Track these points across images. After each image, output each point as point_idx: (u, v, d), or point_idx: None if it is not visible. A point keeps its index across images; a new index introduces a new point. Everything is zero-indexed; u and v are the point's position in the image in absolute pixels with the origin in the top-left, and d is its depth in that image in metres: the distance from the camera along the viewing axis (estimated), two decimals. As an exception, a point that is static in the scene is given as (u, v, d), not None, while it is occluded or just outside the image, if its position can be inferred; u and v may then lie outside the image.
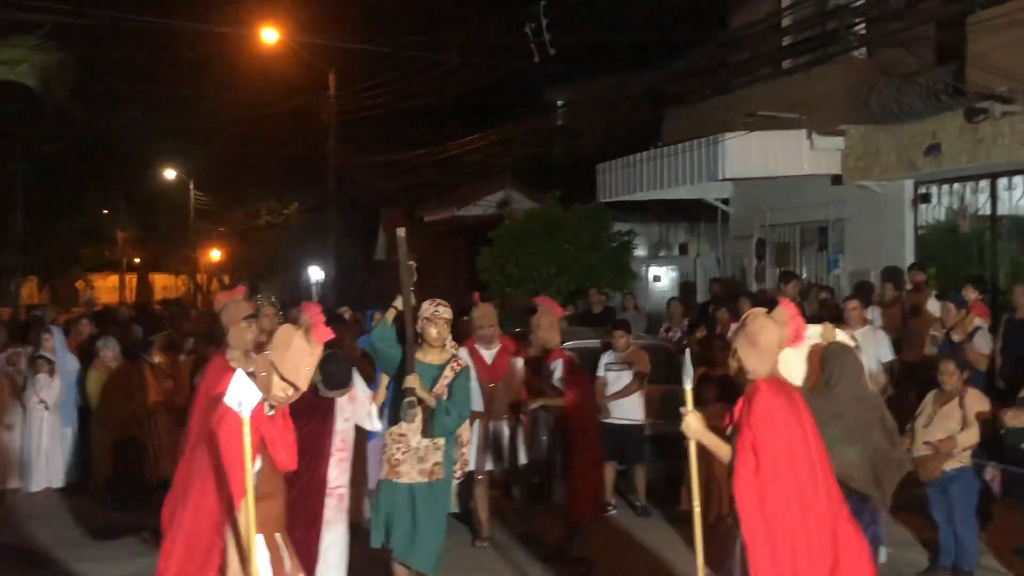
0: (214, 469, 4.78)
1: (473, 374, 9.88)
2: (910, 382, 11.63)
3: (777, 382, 5.60)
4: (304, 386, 5.06)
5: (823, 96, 15.94)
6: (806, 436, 5.49)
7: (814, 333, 7.25)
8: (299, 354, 4.99)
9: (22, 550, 10.04)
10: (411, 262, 7.63)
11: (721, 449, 5.54)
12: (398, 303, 7.57)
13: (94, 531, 10.73)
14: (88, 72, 19.61)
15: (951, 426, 8.76)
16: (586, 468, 9.29)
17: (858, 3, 16.07)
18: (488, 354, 10.01)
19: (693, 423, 5.50)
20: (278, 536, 4.96)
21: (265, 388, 4.95)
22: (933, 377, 9.22)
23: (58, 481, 12.60)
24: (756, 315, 5.62)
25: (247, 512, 4.55)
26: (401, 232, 7.74)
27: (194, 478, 5.05)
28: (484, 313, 10.01)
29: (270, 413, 4.99)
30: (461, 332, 12.21)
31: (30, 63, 14.38)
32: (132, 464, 12.31)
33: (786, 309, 5.65)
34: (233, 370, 6.46)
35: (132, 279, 57.02)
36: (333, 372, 7.15)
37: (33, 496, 12.37)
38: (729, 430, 5.61)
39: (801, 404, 5.66)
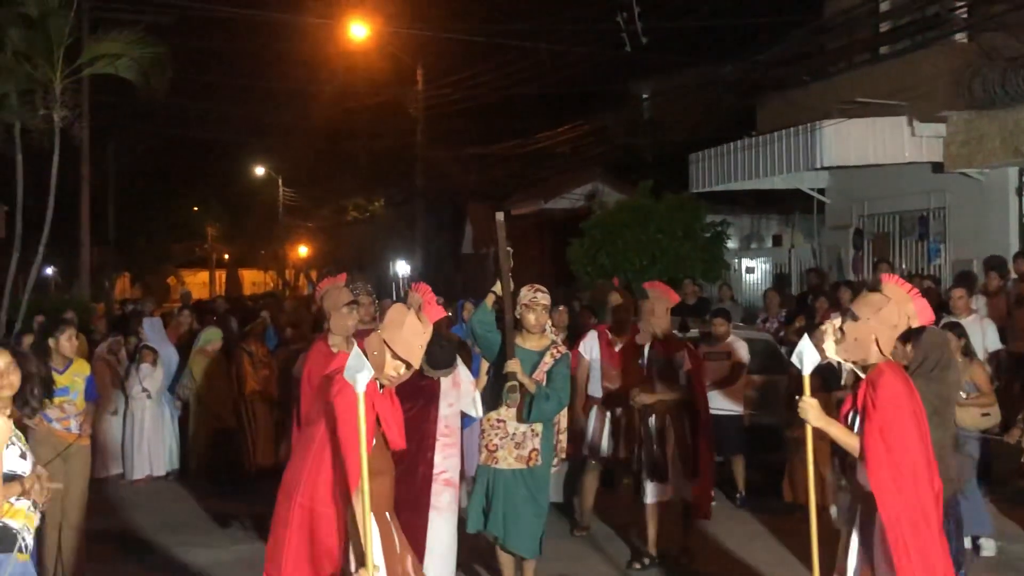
0: (329, 446, 4.75)
1: (595, 354, 9.81)
2: (1016, 373, 11.33)
3: (897, 365, 5.45)
4: (417, 363, 5.02)
5: (924, 82, 15.59)
6: (922, 421, 5.36)
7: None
8: (412, 331, 4.95)
9: (124, 535, 10.20)
10: (509, 248, 7.55)
11: (842, 434, 5.38)
12: (497, 288, 7.50)
13: (194, 518, 10.87)
14: (182, 67, 19.90)
15: (1064, 416, 8.52)
16: (709, 463, 9.12)
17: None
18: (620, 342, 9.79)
19: (812, 409, 5.32)
20: (388, 515, 4.93)
21: (378, 367, 4.92)
22: (1044, 367, 8.96)
23: (160, 469, 12.79)
24: (881, 300, 5.44)
25: (362, 487, 4.51)
26: (500, 216, 7.67)
27: (309, 458, 5.01)
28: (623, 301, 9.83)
29: (380, 392, 4.96)
30: (580, 322, 12.19)
31: (129, 57, 14.67)
32: (231, 452, 12.48)
33: (900, 286, 5.48)
34: (334, 356, 6.47)
35: (222, 275, 57.99)
36: (437, 352, 7.10)
37: (134, 484, 12.56)
38: (850, 416, 5.44)
39: (914, 389, 5.52)
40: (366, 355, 4.89)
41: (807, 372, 5.33)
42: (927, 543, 5.20)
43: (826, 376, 9.39)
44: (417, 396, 7.28)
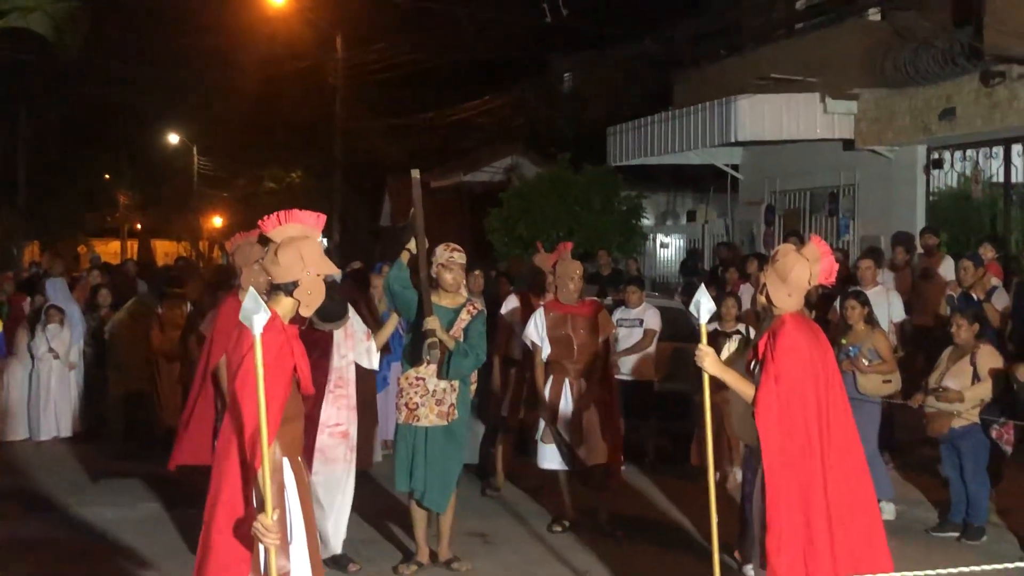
0: (246, 398, 4.64)
1: (516, 318, 9.81)
2: (920, 345, 11.60)
3: (803, 318, 5.56)
4: (330, 269, 4.90)
5: (837, 59, 15.82)
6: (828, 373, 5.46)
7: None
8: (312, 242, 4.87)
9: (28, 494, 10.06)
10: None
11: (738, 383, 5.49)
12: (411, 246, 7.51)
13: (99, 478, 10.71)
14: (95, 27, 19.39)
15: (963, 382, 8.75)
16: (618, 428, 9.16)
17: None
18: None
19: (708, 356, 5.43)
20: (300, 459, 4.91)
21: (312, 293, 4.86)
22: (946, 337, 9.19)
23: (66, 430, 12.60)
24: (787, 251, 5.56)
25: (260, 432, 4.44)
26: (415, 174, 7.68)
27: (226, 414, 4.91)
28: (571, 267, 9.07)
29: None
30: (497, 290, 12.12)
31: (43, 11, 14.28)
32: (142, 413, 12.37)
33: (818, 246, 5.59)
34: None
35: (134, 245, 56.96)
36: (327, 305, 7.07)
37: (40, 445, 12.37)
38: (752, 365, 5.55)
39: (825, 342, 5.62)
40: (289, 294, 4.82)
41: (703, 320, 5.44)
42: (798, 496, 5.30)
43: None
44: (311, 349, 7.27)
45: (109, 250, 54.62)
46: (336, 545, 7.54)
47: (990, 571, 5.60)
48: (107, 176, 51.26)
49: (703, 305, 5.38)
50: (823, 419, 5.39)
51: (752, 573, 5.82)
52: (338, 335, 7.51)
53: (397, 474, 7.64)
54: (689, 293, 11.88)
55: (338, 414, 7.52)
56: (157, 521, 8.95)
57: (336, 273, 5.06)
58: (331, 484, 7.43)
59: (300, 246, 4.82)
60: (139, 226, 56.51)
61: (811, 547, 5.28)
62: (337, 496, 7.47)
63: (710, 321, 6.77)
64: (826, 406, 5.42)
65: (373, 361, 7.78)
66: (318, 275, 4.86)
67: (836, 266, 5.70)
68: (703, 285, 5.69)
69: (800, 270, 5.47)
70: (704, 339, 5.51)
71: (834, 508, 5.35)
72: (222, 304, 7.83)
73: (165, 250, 58.51)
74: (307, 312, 4.91)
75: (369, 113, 31.70)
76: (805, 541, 5.28)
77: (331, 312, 7.22)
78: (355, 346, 7.66)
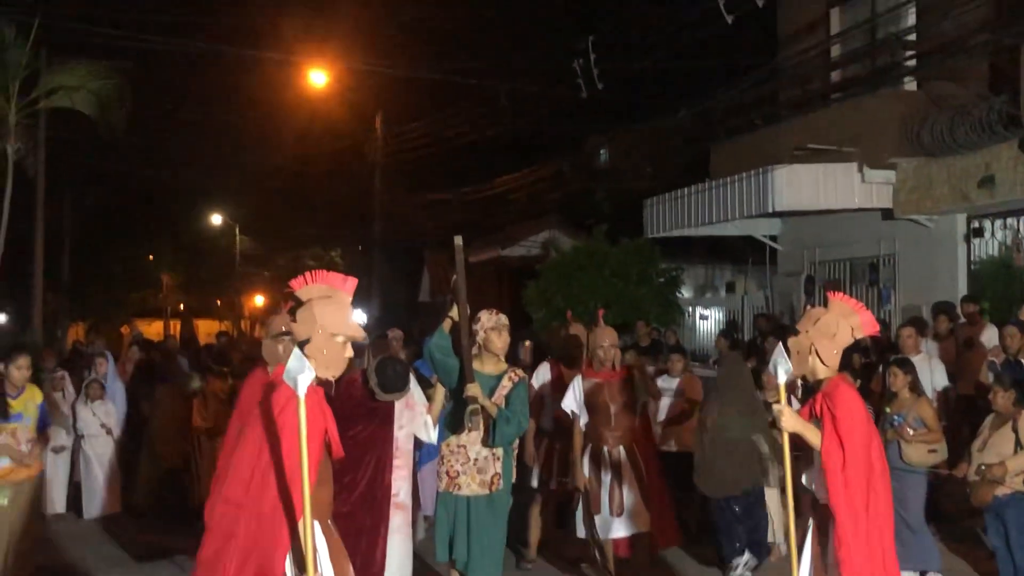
0: (276, 460, 4.61)
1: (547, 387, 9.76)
2: (964, 415, 11.42)
3: (849, 379, 5.56)
4: (355, 333, 4.87)
5: (874, 128, 15.80)
6: (875, 432, 5.45)
7: None
8: (340, 302, 4.84)
9: (68, 570, 10.02)
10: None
11: (816, 438, 5.43)
12: (453, 313, 7.46)
13: (137, 552, 10.69)
14: (139, 107, 19.67)
15: (1005, 450, 8.59)
16: (664, 491, 9.07)
17: (909, 35, 15.95)
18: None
19: (787, 414, 5.38)
20: (329, 523, 4.86)
21: (329, 358, 4.82)
22: (990, 406, 9.05)
23: (109, 507, 12.54)
24: (820, 311, 5.56)
25: (304, 493, 4.41)
26: (458, 240, 7.61)
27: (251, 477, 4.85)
28: (605, 334, 9.06)
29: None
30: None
31: (87, 89, 14.46)
32: (177, 489, 12.35)
33: (845, 301, 5.60)
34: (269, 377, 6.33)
35: (177, 325, 57.35)
36: (390, 375, 7.10)
37: (79, 520, 12.35)
38: None
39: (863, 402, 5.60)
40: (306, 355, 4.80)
41: (782, 380, 5.40)
42: (876, 553, 5.24)
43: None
44: (371, 417, 7.26)
45: (152, 330, 54.95)
46: None
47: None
48: (150, 257, 51.83)
49: (781, 365, 5.38)
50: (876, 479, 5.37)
51: None
52: (398, 405, 7.46)
53: (437, 543, 7.55)
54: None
55: (396, 484, 7.45)
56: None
57: (359, 336, 5.01)
58: (391, 556, 7.34)
59: (315, 305, 4.82)
60: (182, 306, 56.97)
61: None
62: (391, 569, 7.36)
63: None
64: (880, 467, 5.41)
65: (432, 435, 7.68)
66: (333, 335, 4.84)
67: (872, 317, 5.70)
68: (780, 345, 5.64)
69: (844, 325, 5.51)
70: (784, 398, 5.48)
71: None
72: (248, 378, 7.81)
73: (207, 330, 58.88)
74: (323, 373, 4.86)
75: (407, 189, 31.98)
76: None
77: (392, 382, 7.20)
78: (414, 418, 7.61)
